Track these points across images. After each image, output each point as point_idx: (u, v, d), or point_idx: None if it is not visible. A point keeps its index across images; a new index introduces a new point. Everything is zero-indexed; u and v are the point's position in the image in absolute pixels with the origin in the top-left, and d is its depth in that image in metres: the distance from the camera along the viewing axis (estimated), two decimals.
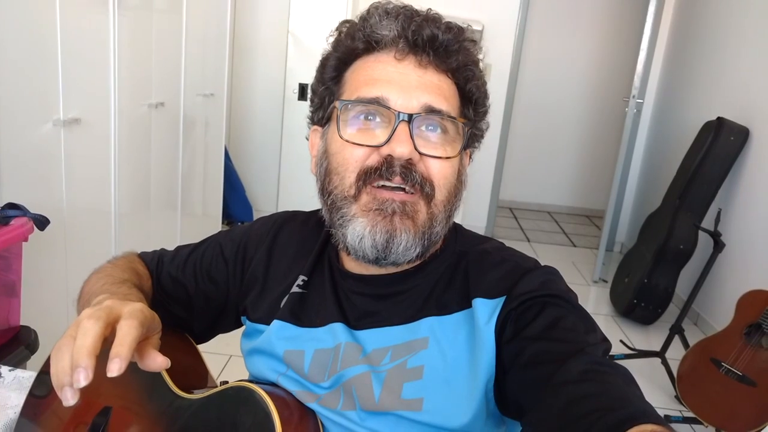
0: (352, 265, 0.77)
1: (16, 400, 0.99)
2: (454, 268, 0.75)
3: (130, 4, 2.09)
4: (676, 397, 2.37)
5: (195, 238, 0.95)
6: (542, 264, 0.75)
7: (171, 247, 0.96)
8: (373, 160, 0.68)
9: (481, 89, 0.75)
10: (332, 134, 0.72)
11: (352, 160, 0.69)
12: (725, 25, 3.39)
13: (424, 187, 0.68)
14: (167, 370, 0.78)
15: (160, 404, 0.76)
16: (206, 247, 0.90)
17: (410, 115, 0.67)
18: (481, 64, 0.75)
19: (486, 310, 0.68)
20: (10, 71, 1.51)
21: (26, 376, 1.06)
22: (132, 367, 0.80)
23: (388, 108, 0.68)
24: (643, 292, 3.09)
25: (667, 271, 3.05)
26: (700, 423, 2.21)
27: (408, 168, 0.67)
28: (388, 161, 0.67)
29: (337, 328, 0.75)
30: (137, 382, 0.80)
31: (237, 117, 4.00)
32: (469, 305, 0.70)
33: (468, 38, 0.73)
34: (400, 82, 0.69)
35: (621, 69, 4.94)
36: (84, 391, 0.81)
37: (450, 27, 0.71)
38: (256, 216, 3.92)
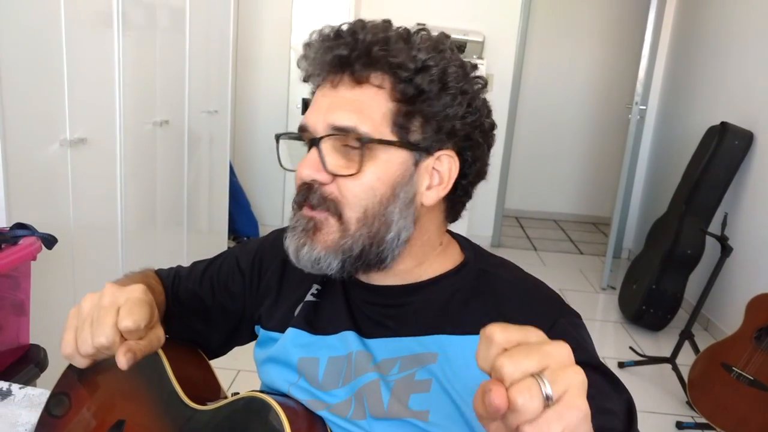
0: (362, 275, 0.78)
1: (27, 417, 1.00)
2: (474, 287, 0.75)
3: (134, 23, 2.12)
4: (688, 402, 2.35)
5: (201, 254, 0.97)
6: (562, 300, 0.75)
7: (178, 263, 0.98)
8: (297, 185, 0.73)
9: (423, 85, 0.69)
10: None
11: (295, 184, 0.74)
12: (727, 29, 3.39)
13: (329, 208, 0.70)
14: (180, 383, 0.79)
15: (173, 416, 0.77)
16: (222, 261, 0.93)
17: (318, 138, 0.70)
18: (420, 60, 0.70)
19: None
20: (18, 92, 1.53)
21: (36, 394, 1.06)
22: (145, 380, 0.82)
23: (302, 133, 0.73)
24: (652, 298, 3.07)
25: (675, 277, 3.04)
26: (713, 429, 2.19)
27: (312, 189, 0.70)
28: (306, 186, 0.71)
29: (349, 337, 0.76)
30: (150, 394, 0.81)
31: (241, 132, 4.03)
32: None
33: (390, 42, 0.69)
34: (317, 105, 0.72)
35: (623, 76, 4.95)
36: (98, 405, 0.83)
37: (357, 37, 0.69)
38: (262, 231, 3.93)
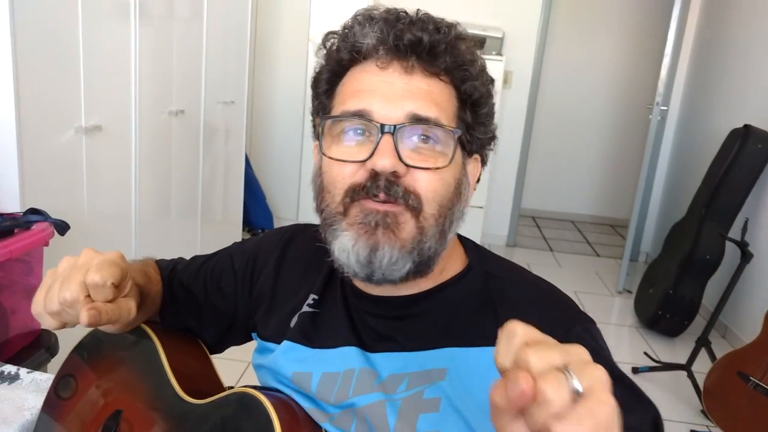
0: (362, 284, 0.74)
1: (34, 401, 1.00)
2: (482, 295, 0.72)
3: (152, 13, 2.12)
4: (702, 411, 2.31)
5: (215, 245, 0.96)
6: (576, 306, 0.72)
7: (192, 254, 0.97)
8: (360, 176, 0.65)
9: (481, 89, 0.70)
10: (324, 151, 0.70)
11: (339, 177, 0.66)
12: (752, 30, 3.32)
13: (408, 200, 0.64)
14: (175, 375, 0.79)
15: (167, 409, 0.77)
16: (218, 259, 0.90)
17: (394, 126, 0.64)
18: (480, 63, 0.71)
19: None
20: (33, 79, 1.53)
21: (44, 379, 1.07)
22: (143, 372, 0.82)
23: (371, 120, 0.65)
24: (668, 303, 3.02)
25: (692, 282, 2.98)
26: None
27: (391, 182, 0.64)
28: (373, 176, 0.64)
29: (351, 353, 0.72)
30: (146, 386, 0.80)
31: (258, 125, 4.03)
32: None
33: (460, 36, 0.69)
34: (384, 91, 0.65)
35: (644, 75, 4.88)
36: (99, 392, 0.83)
37: (439, 27, 0.68)
38: (276, 223, 3.94)
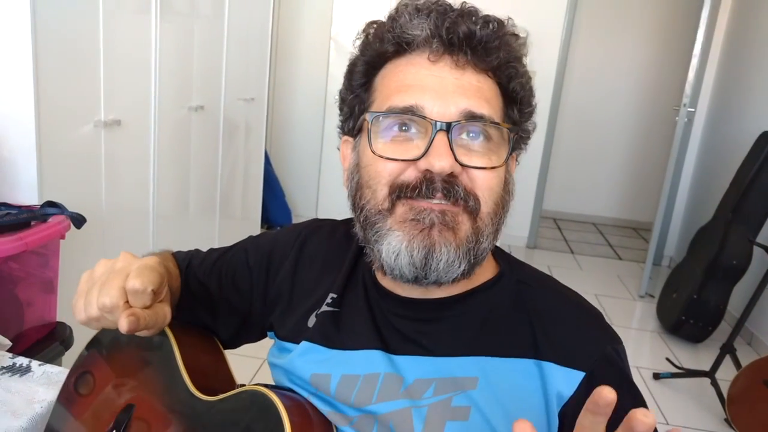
0: (390, 284, 0.71)
1: (44, 394, 1.00)
2: (514, 303, 0.69)
3: (173, 9, 2.12)
4: (726, 420, 2.25)
5: (233, 241, 0.94)
6: (606, 322, 0.71)
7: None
8: (410, 175, 0.62)
9: (526, 87, 0.68)
10: (364, 147, 0.67)
11: (385, 173, 0.63)
12: None
13: (468, 201, 0.62)
14: (188, 371, 0.78)
15: (179, 404, 0.76)
16: (233, 253, 0.88)
17: (449, 124, 0.61)
18: (525, 60, 0.69)
19: (559, 380, 0.63)
20: (54, 73, 1.54)
21: (55, 372, 1.07)
22: (156, 366, 0.81)
23: (424, 117, 0.61)
24: (693, 308, 2.95)
25: (718, 287, 2.91)
26: None
27: (449, 182, 0.61)
28: (428, 177, 0.61)
29: (375, 357, 0.69)
30: (159, 380, 0.80)
31: (278, 122, 4.04)
32: (535, 355, 0.65)
33: (509, 32, 0.67)
34: (436, 86, 0.62)
35: (671, 76, 4.78)
36: (113, 386, 0.82)
37: (488, 21, 0.65)
38: (295, 221, 3.94)
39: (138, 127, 1.99)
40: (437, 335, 0.68)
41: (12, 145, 1.52)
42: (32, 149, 1.51)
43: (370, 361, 0.69)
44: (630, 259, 4.44)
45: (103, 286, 0.62)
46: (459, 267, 0.62)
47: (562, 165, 5.10)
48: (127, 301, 0.62)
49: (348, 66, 0.72)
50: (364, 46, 0.70)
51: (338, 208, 2.94)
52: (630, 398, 0.64)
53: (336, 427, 0.69)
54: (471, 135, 0.63)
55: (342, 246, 0.80)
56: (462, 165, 0.62)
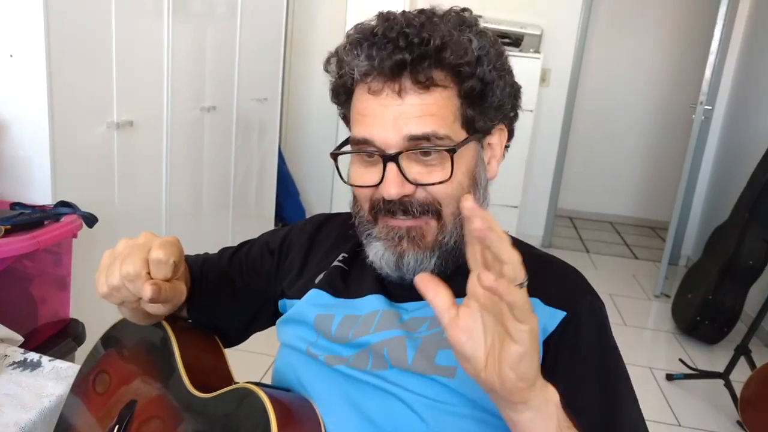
0: None
1: (53, 389, 1.03)
2: None
3: (186, 9, 2.15)
4: (739, 422, 2.23)
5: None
6: (585, 279, 0.78)
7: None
8: (378, 196, 0.72)
9: (483, 80, 0.71)
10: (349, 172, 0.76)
11: (362, 195, 0.75)
12: None
13: (428, 209, 0.71)
14: (186, 368, 0.80)
15: (177, 401, 0.78)
16: (252, 245, 0.95)
17: (395, 154, 0.68)
18: (475, 52, 0.70)
19: (543, 315, 0.70)
20: (67, 75, 1.58)
21: (64, 367, 1.10)
22: (156, 363, 0.83)
23: (374, 151, 0.70)
24: (708, 309, 2.92)
25: (734, 288, 2.88)
26: None
27: (405, 203, 0.70)
28: (386, 200, 0.70)
29: (375, 299, 0.76)
30: (158, 377, 0.83)
31: (293, 121, 4.06)
32: None
33: (445, 41, 0.68)
34: (381, 117, 0.69)
35: (689, 74, 4.72)
36: (115, 384, 0.85)
37: (423, 39, 0.67)
38: None
39: (151, 128, 2.02)
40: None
41: (26, 146, 1.55)
42: (46, 150, 1.54)
43: (370, 302, 0.77)
44: (646, 258, 4.40)
45: (126, 257, 0.66)
46: (430, 262, 0.72)
47: (577, 163, 5.06)
48: (149, 273, 0.66)
49: (330, 87, 0.80)
50: (333, 76, 0.77)
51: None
52: (604, 354, 0.71)
53: (323, 422, 0.71)
54: (421, 154, 0.69)
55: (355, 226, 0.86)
56: (416, 185, 0.70)
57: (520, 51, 3.68)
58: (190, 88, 2.27)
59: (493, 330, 0.52)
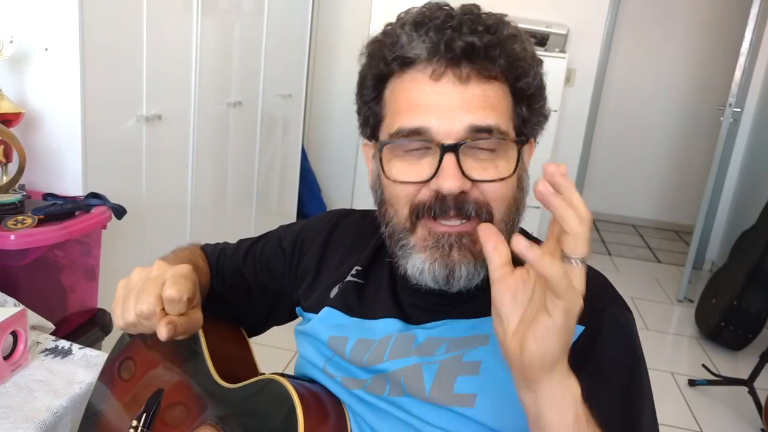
0: None
1: (83, 376, 1.05)
2: None
3: (215, 6, 2.17)
4: (762, 430, 2.19)
5: None
6: (610, 283, 0.73)
7: None
8: (424, 195, 0.66)
9: (533, 83, 0.69)
10: (384, 169, 0.70)
11: (402, 195, 0.67)
12: None
13: (480, 214, 0.65)
14: (212, 359, 0.81)
15: (203, 390, 0.80)
16: (266, 240, 0.93)
17: (455, 145, 0.63)
18: (528, 49, 0.69)
19: None
20: (99, 70, 1.60)
21: (94, 355, 1.12)
22: (183, 354, 0.85)
23: (431, 139, 0.64)
24: (732, 314, 2.87)
25: (760, 294, 2.82)
26: None
27: (460, 200, 0.64)
28: (440, 197, 0.64)
29: (390, 322, 0.73)
30: (185, 367, 0.84)
31: (316, 118, 4.08)
32: None
33: (511, 33, 0.67)
34: (441, 105, 0.64)
35: (716, 75, 4.64)
36: (143, 373, 0.87)
37: (489, 26, 0.66)
38: None
39: (178, 121, 2.05)
40: (454, 303, 0.71)
41: (59, 139, 1.59)
42: (77, 143, 1.57)
43: (386, 327, 0.73)
44: (669, 262, 4.34)
45: (140, 293, 0.66)
46: (479, 275, 0.66)
47: (601, 165, 5.00)
48: (163, 309, 0.65)
49: (358, 78, 0.74)
50: (369, 64, 0.71)
51: (373, 204, 2.96)
52: (625, 367, 0.66)
53: (348, 415, 0.71)
54: (481, 149, 0.65)
55: (371, 229, 0.83)
56: (472, 180, 0.64)
57: (546, 50, 3.66)
58: (217, 83, 2.29)
59: (538, 303, 0.50)
